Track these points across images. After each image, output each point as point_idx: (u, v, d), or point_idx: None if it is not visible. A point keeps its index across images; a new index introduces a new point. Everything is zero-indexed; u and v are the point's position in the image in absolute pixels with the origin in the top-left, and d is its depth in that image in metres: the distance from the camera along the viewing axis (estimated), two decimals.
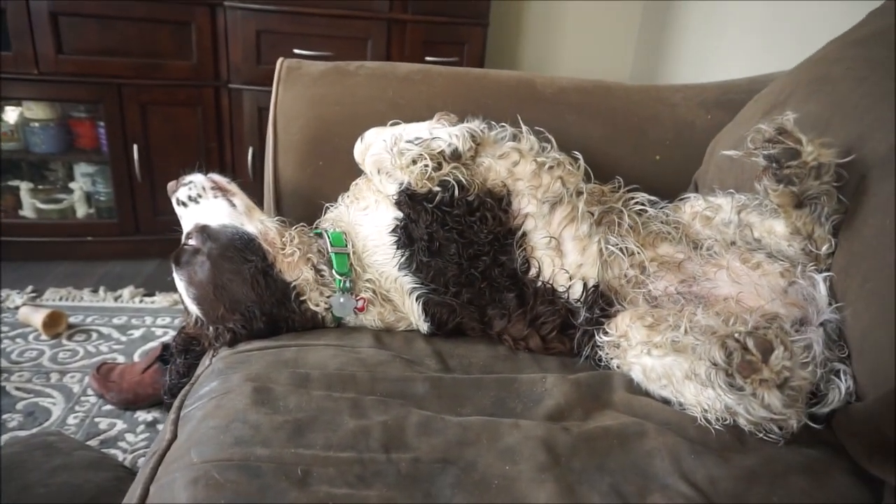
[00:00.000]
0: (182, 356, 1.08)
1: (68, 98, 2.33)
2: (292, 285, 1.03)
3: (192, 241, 1.05)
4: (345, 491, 0.69)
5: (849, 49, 1.02)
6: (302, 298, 1.03)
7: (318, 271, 1.04)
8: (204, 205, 1.08)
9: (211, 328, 1.03)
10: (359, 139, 1.12)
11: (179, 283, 1.06)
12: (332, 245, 1.06)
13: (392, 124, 1.12)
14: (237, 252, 1.02)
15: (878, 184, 0.83)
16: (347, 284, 1.04)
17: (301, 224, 1.12)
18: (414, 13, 2.34)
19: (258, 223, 1.07)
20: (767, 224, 0.96)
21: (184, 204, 1.09)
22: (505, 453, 0.76)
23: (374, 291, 1.06)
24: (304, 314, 1.04)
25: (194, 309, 1.05)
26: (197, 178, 1.10)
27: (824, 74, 1.02)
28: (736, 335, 0.75)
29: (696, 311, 0.87)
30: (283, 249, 1.04)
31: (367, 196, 1.11)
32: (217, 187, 1.09)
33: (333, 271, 1.04)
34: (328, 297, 1.04)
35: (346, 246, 1.07)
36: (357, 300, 1.05)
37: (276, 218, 1.12)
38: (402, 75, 1.28)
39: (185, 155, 2.43)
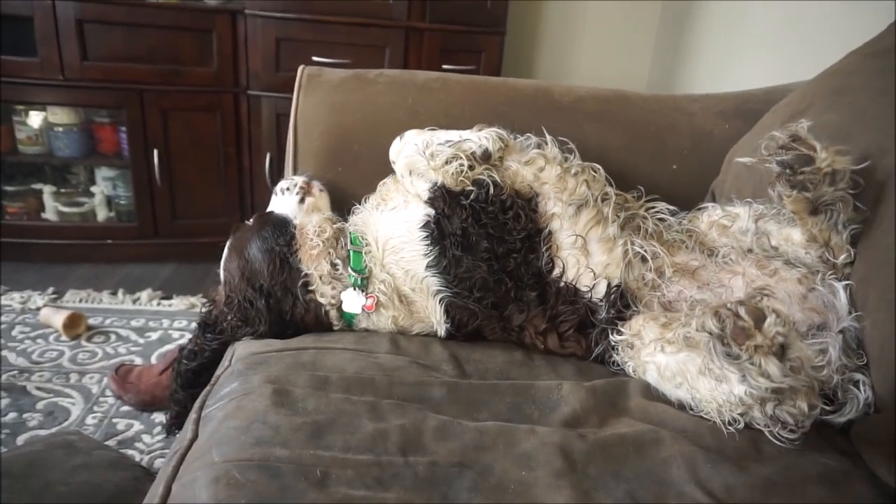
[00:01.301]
0: (203, 330, 1.13)
1: (92, 103, 2.37)
2: (304, 274, 1.07)
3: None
4: (363, 493, 0.69)
5: (868, 60, 1.02)
6: (310, 289, 1.06)
7: (333, 266, 1.08)
8: (286, 197, 1.20)
9: (224, 292, 1.11)
10: (398, 138, 1.14)
11: (224, 253, 1.15)
12: (351, 243, 1.10)
13: (430, 129, 1.14)
14: (271, 233, 1.11)
15: None
16: (360, 282, 1.07)
17: (343, 220, 1.17)
18: (432, 21, 2.36)
19: (307, 217, 1.16)
20: (785, 232, 0.96)
21: (276, 193, 1.22)
22: (521, 459, 0.76)
23: (388, 295, 1.06)
24: (308, 305, 1.06)
25: (222, 273, 1.14)
26: (298, 178, 1.23)
27: (844, 85, 1.02)
28: (728, 305, 0.76)
29: (692, 290, 0.87)
30: (311, 241, 1.10)
31: (395, 197, 1.13)
32: (304, 187, 1.21)
33: (349, 268, 1.07)
34: (339, 291, 1.07)
35: (361, 245, 1.10)
36: (367, 298, 1.06)
37: (331, 215, 1.17)
38: (421, 83, 1.30)
39: (204, 160, 2.47)
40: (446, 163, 1.04)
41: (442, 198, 1.05)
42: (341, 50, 2.34)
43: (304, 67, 1.32)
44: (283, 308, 1.06)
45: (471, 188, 1.04)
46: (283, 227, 1.12)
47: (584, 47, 2.94)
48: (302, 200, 1.19)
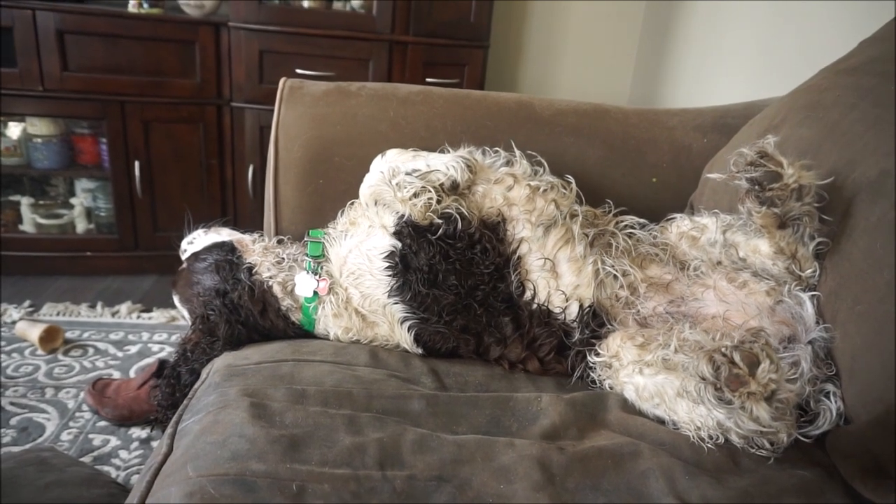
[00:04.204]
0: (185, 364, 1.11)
1: (72, 114, 2.35)
2: (249, 262, 1.11)
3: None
4: None
5: (840, 77, 1.04)
6: (255, 270, 1.10)
7: (279, 260, 1.12)
8: (198, 238, 1.21)
9: (192, 321, 1.11)
10: (379, 155, 1.14)
11: (175, 298, 1.17)
12: (308, 235, 1.14)
13: (413, 150, 1.14)
14: (208, 251, 1.15)
15: (868, 207, 0.84)
16: (315, 267, 1.09)
17: (287, 236, 1.22)
18: (415, 35, 2.38)
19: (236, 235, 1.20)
20: (752, 243, 0.98)
21: (184, 251, 1.23)
22: (500, 472, 0.76)
23: (339, 307, 1.07)
24: (253, 284, 1.08)
25: (185, 312, 1.15)
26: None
27: (816, 101, 1.04)
28: (723, 349, 0.76)
29: (684, 328, 0.88)
30: (253, 245, 1.16)
31: (362, 222, 1.11)
32: (204, 229, 1.25)
33: (306, 255, 1.10)
34: (286, 273, 1.09)
35: (321, 237, 1.12)
36: (320, 281, 1.07)
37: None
38: (403, 96, 1.30)
39: (186, 172, 2.46)
40: (415, 195, 1.03)
41: (408, 232, 1.03)
42: (325, 63, 2.34)
43: (285, 80, 1.32)
44: (235, 298, 1.07)
45: (438, 221, 1.02)
46: (217, 245, 1.16)
47: (566, 61, 2.97)
48: (206, 233, 1.21)
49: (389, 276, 1.04)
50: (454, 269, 1.01)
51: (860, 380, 0.80)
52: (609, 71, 2.97)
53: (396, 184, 1.05)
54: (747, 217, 0.95)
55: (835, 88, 1.03)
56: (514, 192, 1.06)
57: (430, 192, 1.03)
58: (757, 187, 0.88)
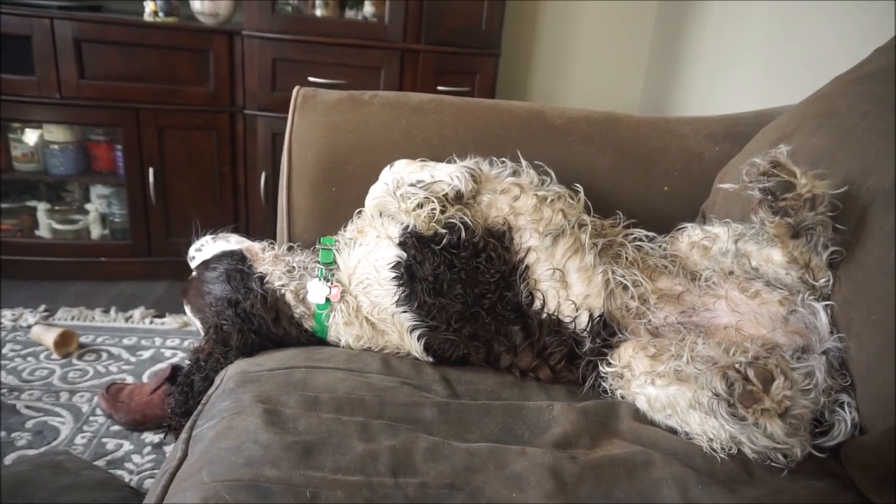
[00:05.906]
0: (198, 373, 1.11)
1: (88, 121, 2.38)
2: (260, 271, 1.12)
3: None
4: None
5: (853, 85, 1.04)
6: (266, 279, 1.10)
7: (290, 269, 1.12)
8: (206, 246, 1.22)
9: (205, 331, 1.12)
10: (388, 165, 1.14)
11: (186, 308, 1.18)
12: (320, 243, 1.14)
13: (421, 161, 1.15)
14: (218, 260, 1.16)
15: (882, 216, 0.84)
16: (326, 273, 1.09)
17: (297, 243, 1.23)
18: (427, 43, 2.39)
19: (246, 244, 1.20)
20: (765, 253, 0.97)
21: (192, 258, 1.23)
22: (512, 480, 0.76)
23: (350, 315, 1.07)
24: (265, 292, 1.08)
25: (196, 322, 1.15)
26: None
27: (830, 109, 1.04)
28: (736, 366, 0.76)
29: (697, 341, 0.88)
30: (263, 254, 1.16)
31: (370, 232, 1.12)
32: (212, 235, 1.25)
33: (317, 262, 1.11)
34: (298, 282, 1.10)
35: (332, 244, 1.13)
36: (332, 288, 1.08)
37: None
38: (415, 105, 1.31)
39: (199, 178, 2.48)
40: (418, 206, 1.03)
41: (413, 243, 1.04)
42: (337, 71, 2.36)
43: (299, 88, 1.33)
44: (247, 307, 1.08)
45: (443, 231, 1.03)
46: (227, 254, 1.16)
47: (577, 69, 2.98)
48: (215, 240, 1.22)
49: (396, 285, 1.04)
50: (459, 278, 1.01)
51: (875, 389, 0.80)
52: (620, 78, 2.97)
53: (400, 195, 1.06)
54: (760, 227, 0.95)
55: (848, 96, 1.02)
56: (521, 202, 1.07)
57: (433, 202, 1.03)
58: (770, 197, 0.88)
